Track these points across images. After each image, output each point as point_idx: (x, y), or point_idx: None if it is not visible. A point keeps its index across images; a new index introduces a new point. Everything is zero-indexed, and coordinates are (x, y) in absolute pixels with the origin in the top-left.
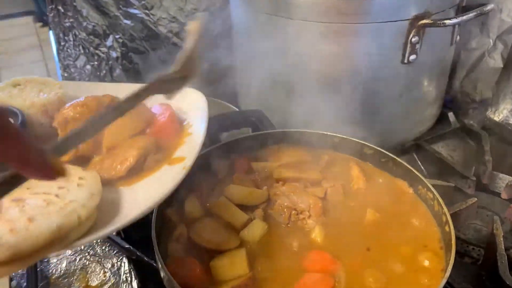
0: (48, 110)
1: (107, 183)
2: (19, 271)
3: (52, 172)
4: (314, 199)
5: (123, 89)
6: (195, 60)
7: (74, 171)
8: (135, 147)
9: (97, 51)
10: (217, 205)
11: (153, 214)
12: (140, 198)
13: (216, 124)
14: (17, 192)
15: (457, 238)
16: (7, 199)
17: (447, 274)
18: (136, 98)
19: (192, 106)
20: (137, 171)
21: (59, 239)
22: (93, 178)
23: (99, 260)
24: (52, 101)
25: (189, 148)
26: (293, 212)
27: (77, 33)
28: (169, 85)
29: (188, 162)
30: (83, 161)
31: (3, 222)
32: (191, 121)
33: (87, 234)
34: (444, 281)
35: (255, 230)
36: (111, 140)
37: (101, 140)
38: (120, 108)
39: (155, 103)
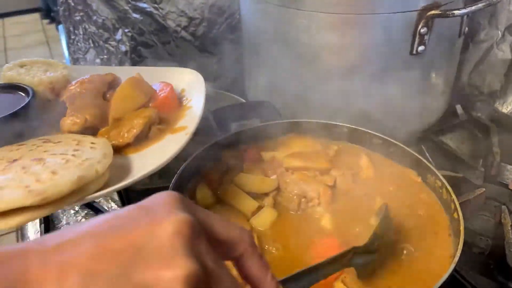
0: (55, 87)
1: (116, 151)
2: None
3: None
4: (324, 187)
5: (123, 72)
6: (386, 237)
7: (86, 138)
8: (141, 117)
9: (106, 45)
10: (228, 193)
11: None
12: (147, 161)
13: (225, 115)
14: (35, 154)
15: (465, 228)
16: (27, 159)
17: (456, 259)
18: (338, 262)
19: (190, 85)
20: (143, 139)
21: (81, 190)
22: (104, 142)
23: None
24: (58, 79)
25: (190, 119)
26: (303, 199)
27: (87, 27)
28: (360, 260)
29: (190, 129)
30: (91, 132)
31: (28, 174)
32: (189, 97)
33: (103, 188)
34: (453, 266)
35: (266, 217)
36: (117, 112)
37: (107, 113)
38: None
39: (156, 81)
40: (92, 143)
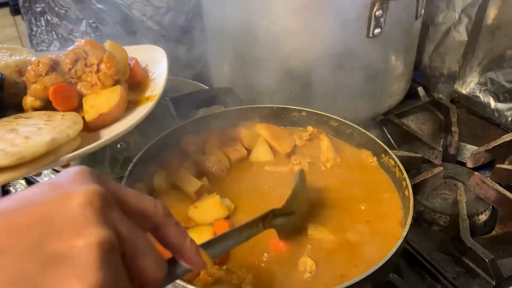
0: (22, 70)
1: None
2: None
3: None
4: None
5: None
6: (301, 198)
7: (56, 113)
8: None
9: (70, 36)
10: (176, 176)
11: None
12: (120, 124)
13: (186, 102)
14: (8, 127)
15: (425, 206)
16: (1, 131)
17: (404, 234)
18: (257, 224)
19: (153, 60)
20: None
21: (54, 151)
22: (73, 114)
23: None
24: (25, 62)
25: (155, 88)
26: None
27: (49, 18)
28: (279, 220)
29: (155, 96)
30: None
31: (3, 142)
32: (153, 70)
33: (75, 150)
34: (400, 241)
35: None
36: None
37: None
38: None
39: None
40: (63, 115)
